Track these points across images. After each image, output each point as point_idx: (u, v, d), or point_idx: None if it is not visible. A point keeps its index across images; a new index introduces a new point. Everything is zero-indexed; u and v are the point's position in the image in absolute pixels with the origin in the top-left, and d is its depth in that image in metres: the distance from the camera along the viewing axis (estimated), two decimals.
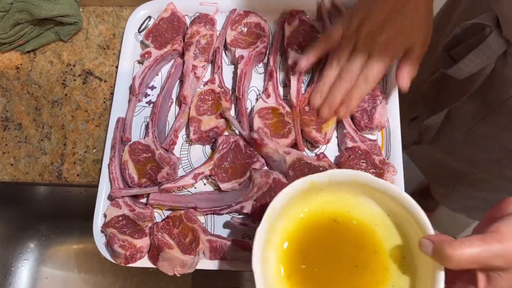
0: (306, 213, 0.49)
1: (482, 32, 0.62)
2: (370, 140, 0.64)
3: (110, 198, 0.64)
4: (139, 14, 0.75)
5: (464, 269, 0.39)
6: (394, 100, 0.66)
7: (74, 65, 0.75)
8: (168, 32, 0.72)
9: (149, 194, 0.63)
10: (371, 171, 0.61)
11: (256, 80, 0.71)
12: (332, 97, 0.57)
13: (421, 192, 1.44)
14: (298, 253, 0.48)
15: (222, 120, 0.67)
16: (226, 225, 0.63)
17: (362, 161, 0.62)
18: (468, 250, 0.37)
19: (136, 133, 0.68)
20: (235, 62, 0.71)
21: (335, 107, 0.58)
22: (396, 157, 0.64)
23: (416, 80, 0.61)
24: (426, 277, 0.43)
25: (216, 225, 0.63)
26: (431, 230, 0.43)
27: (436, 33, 0.62)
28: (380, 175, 0.61)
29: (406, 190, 0.62)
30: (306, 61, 0.62)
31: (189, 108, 0.67)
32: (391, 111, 0.66)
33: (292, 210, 0.48)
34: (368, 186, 0.47)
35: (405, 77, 0.58)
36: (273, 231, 0.47)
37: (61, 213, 0.93)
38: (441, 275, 0.41)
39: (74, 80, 0.74)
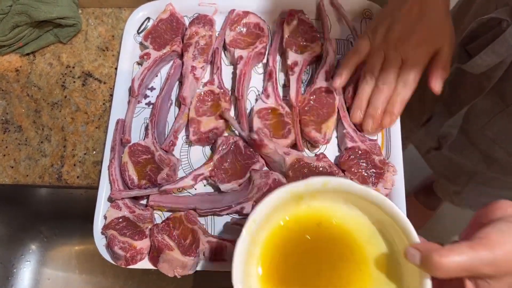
0: (287, 221, 0.47)
1: (498, 27, 0.61)
2: (370, 140, 0.64)
3: (110, 200, 0.64)
4: (138, 16, 0.74)
5: (453, 277, 0.38)
6: None
7: (73, 67, 0.75)
8: (167, 33, 0.71)
9: (149, 195, 0.63)
10: (371, 171, 0.61)
11: (256, 80, 0.71)
12: (373, 109, 0.58)
13: (423, 190, 1.44)
14: (279, 262, 0.46)
15: (222, 121, 0.67)
16: (226, 226, 0.63)
17: (362, 161, 0.62)
18: (456, 258, 0.36)
19: (136, 135, 0.68)
20: (234, 63, 0.71)
21: (379, 119, 0.59)
22: (396, 157, 0.63)
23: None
24: (413, 285, 0.42)
25: (216, 226, 0.63)
26: (416, 239, 0.41)
27: None
28: (380, 175, 0.61)
29: (407, 189, 0.62)
30: (339, 79, 0.62)
31: (189, 109, 0.67)
32: None
33: (272, 219, 0.46)
34: (351, 194, 0.45)
35: (438, 80, 0.58)
36: (254, 243, 0.45)
37: (62, 214, 0.93)
38: (428, 283, 0.39)
39: (74, 82, 0.74)
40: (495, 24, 0.62)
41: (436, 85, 0.58)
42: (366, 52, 0.61)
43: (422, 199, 1.44)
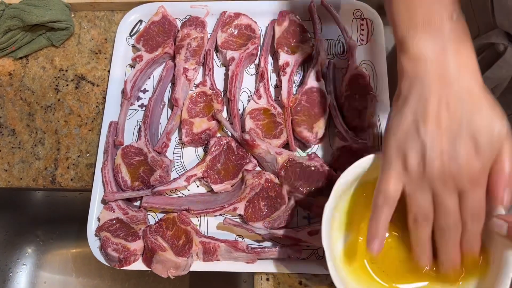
0: (364, 187, 0.51)
1: (492, 48, 0.62)
2: (361, 139, 0.64)
3: (104, 202, 0.64)
4: (130, 18, 0.75)
5: None
6: (385, 99, 0.66)
7: (66, 70, 0.75)
8: (159, 36, 0.72)
9: (142, 197, 0.64)
10: None
11: (248, 81, 0.71)
12: (450, 255, 0.45)
13: None
14: (361, 227, 0.50)
15: (214, 122, 0.67)
16: (219, 226, 0.63)
17: (353, 160, 0.62)
18: None
19: (129, 137, 0.68)
20: (226, 64, 0.71)
21: (458, 263, 0.45)
22: None
23: None
24: (497, 257, 0.44)
25: (210, 227, 0.63)
26: (502, 210, 0.42)
27: None
28: None
29: None
30: (378, 243, 0.45)
31: (181, 110, 0.68)
32: (382, 110, 0.66)
33: (352, 187, 0.51)
34: None
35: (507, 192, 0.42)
36: (337, 210, 0.50)
37: (57, 217, 0.93)
38: None
39: (67, 85, 0.74)
40: (486, 46, 0.62)
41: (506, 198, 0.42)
42: (397, 194, 0.44)
43: None
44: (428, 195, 0.43)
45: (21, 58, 0.76)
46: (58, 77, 0.75)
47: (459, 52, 0.42)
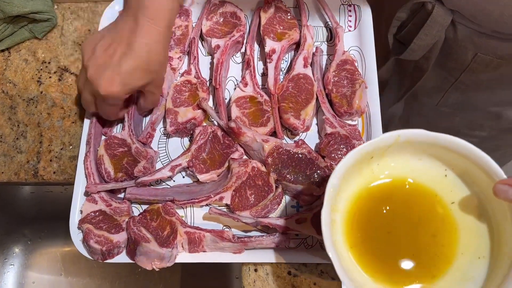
0: (363, 186, 0.49)
1: (422, 9, 0.62)
2: (349, 125, 0.63)
3: (87, 194, 0.62)
4: (114, 9, 0.73)
5: None
6: (373, 84, 0.65)
7: (49, 62, 0.74)
8: None
9: (126, 188, 0.62)
10: None
11: (234, 70, 0.70)
12: None
13: None
14: (362, 228, 0.48)
15: (200, 111, 0.65)
16: (205, 217, 0.62)
17: (342, 146, 0.61)
18: None
19: (113, 128, 0.66)
20: (211, 53, 0.70)
21: None
22: None
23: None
24: (503, 223, 0.43)
25: (196, 218, 0.62)
26: (503, 176, 0.41)
27: (375, 26, 0.62)
28: None
29: None
30: None
31: (166, 100, 0.66)
32: (370, 96, 0.65)
33: (348, 185, 0.49)
34: (423, 143, 0.46)
35: None
36: (335, 211, 0.48)
37: (45, 215, 0.91)
38: None
39: (50, 77, 0.73)
40: (418, 8, 0.63)
41: None
42: None
43: None
44: None
45: (2, 50, 0.75)
46: (41, 69, 0.73)
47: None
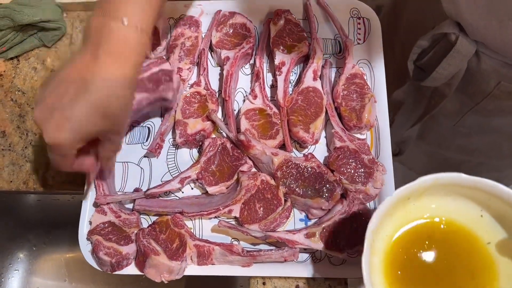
0: (399, 224, 0.50)
1: (445, 39, 0.62)
2: (358, 139, 0.63)
3: (96, 204, 0.62)
4: None
5: None
6: (382, 99, 0.65)
7: None
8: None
9: (135, 199, 0.62)
10: (360, 170, 0.60)
11: (243, 81, 0.70)
12: None
13: None
14: (400, 264, 0.49)
15: (209, 122, 0.66)
16: (214, 229, 0.62)
17: (351, 160, 0.61)
18: None
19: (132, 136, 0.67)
20: (221, 64, 0.70)
21: None
22: (386, 156, 0.62)
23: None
24: None
25: (205, 230, 0.62)
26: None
27: (390, 48, 0.62)
28: (369, 174, 0.60)
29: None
30: None
31: (175, 111, 0.66)
32: (380, 110, 0.65)
33: (386, 225, 0.49)
34: (459, 186, 0.47)
35: None
36: (373, 254, 0.48)
37: (50, 222, 0.91)
38: None
39: None
40: (440, 37, 0.64)
41: None
42: None
43: None
44: None
45: (12, 58, 0.75)
46: None
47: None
